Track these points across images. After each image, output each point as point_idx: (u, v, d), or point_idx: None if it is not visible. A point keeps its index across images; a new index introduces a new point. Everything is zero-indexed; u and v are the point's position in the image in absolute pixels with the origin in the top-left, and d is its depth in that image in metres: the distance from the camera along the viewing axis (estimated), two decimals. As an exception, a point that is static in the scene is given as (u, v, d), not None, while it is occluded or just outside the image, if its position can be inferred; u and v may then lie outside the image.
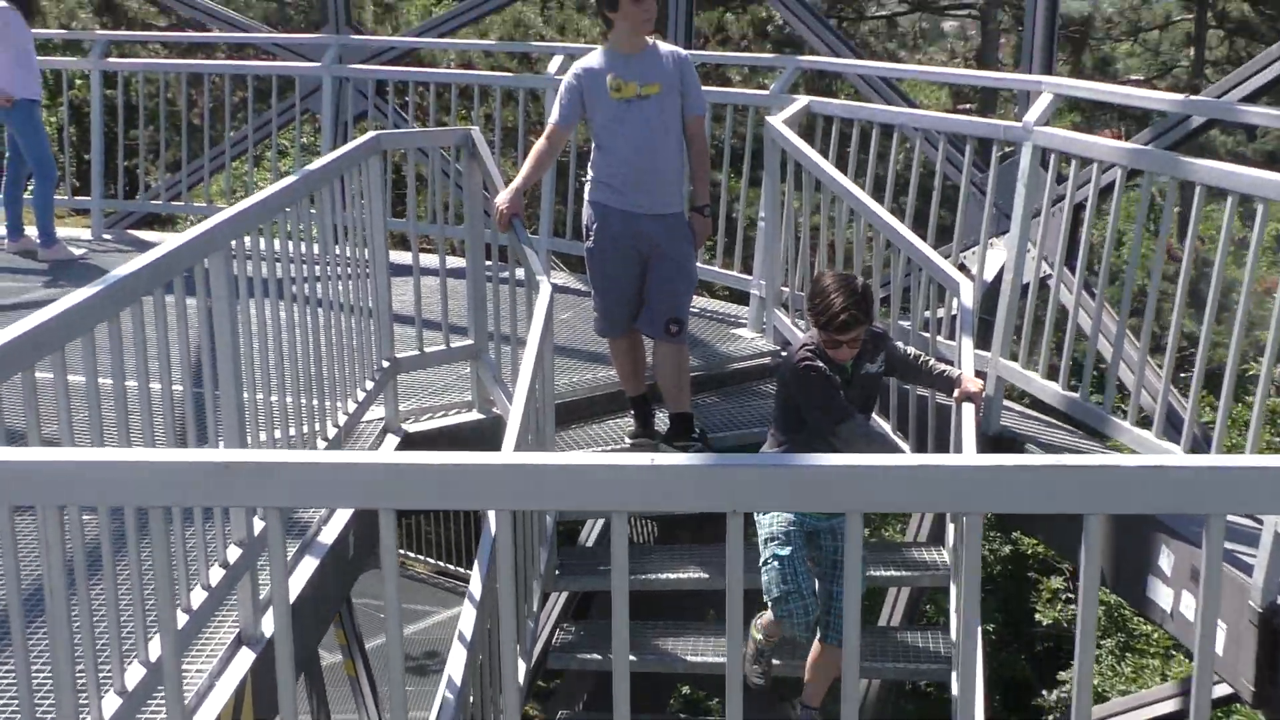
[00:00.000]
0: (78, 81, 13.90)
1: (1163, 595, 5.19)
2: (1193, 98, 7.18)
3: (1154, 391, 6.08)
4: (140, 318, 3.62)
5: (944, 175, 7.33)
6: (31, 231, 9.83)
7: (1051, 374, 6.13)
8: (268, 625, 4.37)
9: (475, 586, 4.37)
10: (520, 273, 6.51)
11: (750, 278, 8.11)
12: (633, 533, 8.55)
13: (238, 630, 4.33)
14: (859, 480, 2.09)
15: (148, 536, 2.66)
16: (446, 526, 17.53)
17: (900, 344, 5.67)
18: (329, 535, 5.23)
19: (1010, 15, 27.05)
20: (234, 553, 4.16)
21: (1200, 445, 5.35)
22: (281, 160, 16.24)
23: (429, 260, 7.73)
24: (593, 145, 6.33)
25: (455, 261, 7.79)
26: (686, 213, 6.40)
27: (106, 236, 10.89)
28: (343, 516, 5.40)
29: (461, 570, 16.38)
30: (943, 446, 6.16)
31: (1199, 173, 5.12)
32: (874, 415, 5.90)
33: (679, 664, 5.99)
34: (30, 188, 9.83)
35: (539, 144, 6.38)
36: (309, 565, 4.98)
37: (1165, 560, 5.15)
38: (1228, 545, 4.95)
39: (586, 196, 6.37)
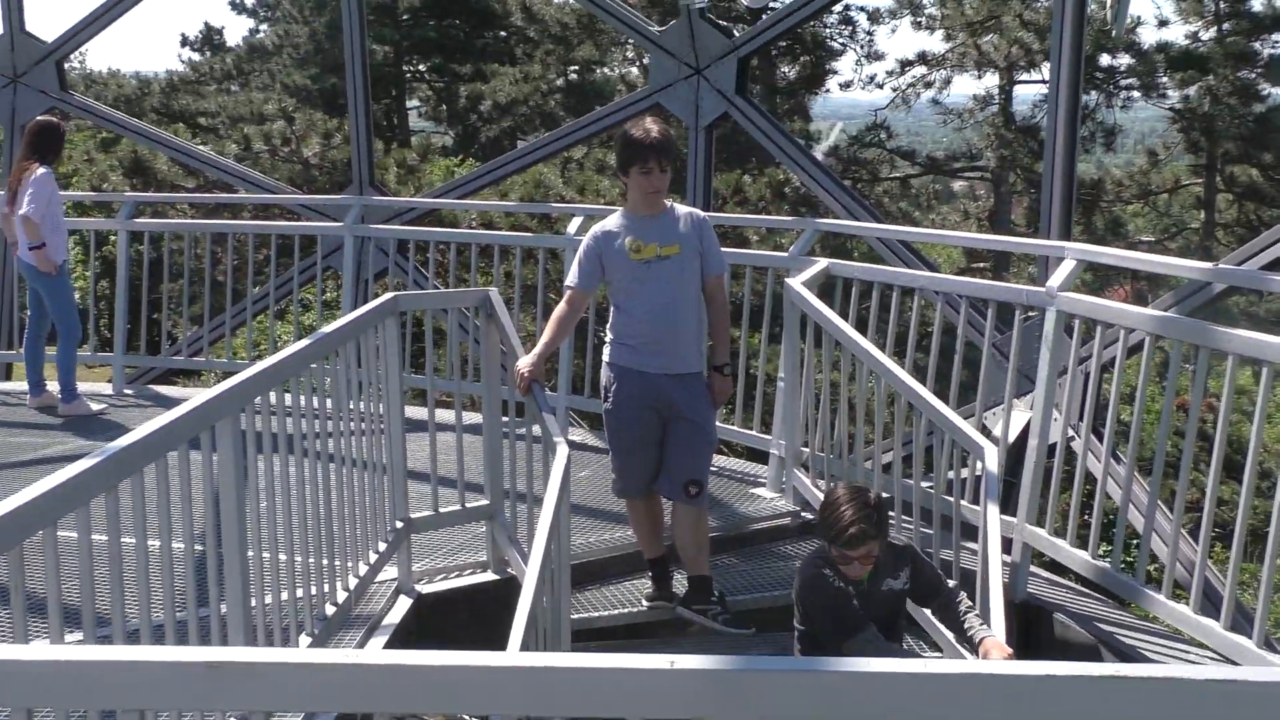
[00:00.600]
0: (111, 237, 14.00)
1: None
2: (1220, 266, 7.05)
3: (1189, 563, 5.84)
4: (149, 481, 3.46)
5: (969, 340, 7.19)
6: (53, 387, 9.76)
7: (1081, 541, 5.91)
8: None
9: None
10: (537, 429, 6.35)
11: (769, 437, 7.93)
12: None
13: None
14: (882, 687, 1.88)
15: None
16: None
17: (936, 568, 5.40)
18: None
19: (1022, 178, 27.38)
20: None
21: (1240, 624, 5.09)
22: (305, 314, 16.35)
23: (445, 416, 7.59)
24: (611, 306, 6.22)
25: (472, 417, 7.65)
26: (705, 372, 6.26)
27: (128, 392, 10.81)
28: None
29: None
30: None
31: (1232, 342, 4.96)
32: (904, 638, 5.63)
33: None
34: (53, 345, 9.80)
35: (559, 309, 6.27)
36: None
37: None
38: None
39: (605, 357, 6.24)
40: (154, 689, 1.92)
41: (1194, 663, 5.38)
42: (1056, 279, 6.13)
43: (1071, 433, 7.29)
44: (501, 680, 1.90)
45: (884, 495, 5.29)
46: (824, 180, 10.86)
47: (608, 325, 6.24)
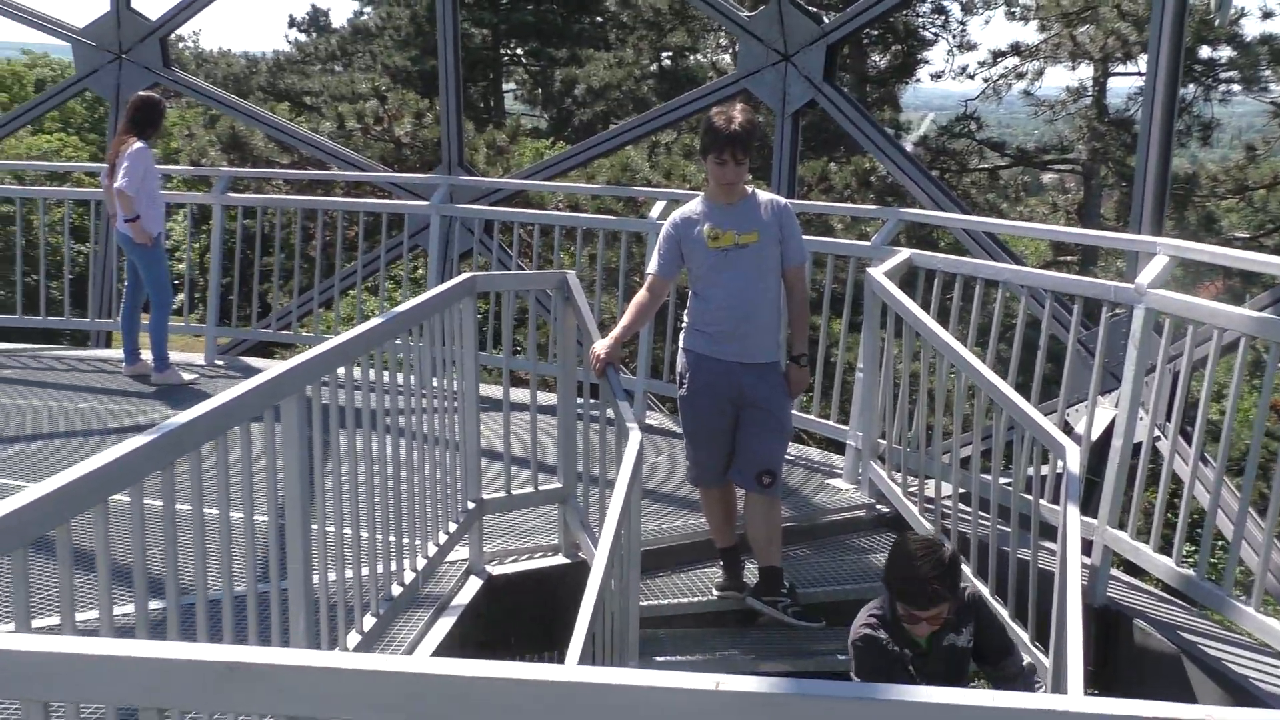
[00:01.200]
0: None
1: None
2: (1263, 256, 6.68)
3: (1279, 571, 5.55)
4: (225, 453, 3.36)
5: (1052, 335, 6.92)
6: (147, 356, 9.82)
7: (1164, 545, 5.64)
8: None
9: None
10: (610, 413, 6.21)
11: (847, 428, 7.71)
12: None
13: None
14: (938, 717, 1.70)
15: None
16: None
17: (1004, 628, 5.00)
18: None
19: (1113, 170, 26.78)
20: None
21: None
22: (393, 291, 16.36)
23: (520, 396, 7.47)
24: (690, 292, 6.06)
25: (546, 398, 7.51)
26: (783, 362, 6.07)
27: (219, 362, 10.84)
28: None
29: None
30: (1043, 617, 5.67)
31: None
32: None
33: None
34: (147, 314, 9.84)
35: (640, 295, 6.12)
36: None
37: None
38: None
39: (681, 343, 6.08)
40: (172, 687, 1.80)
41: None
42: (1147, 275, 5.85)
43: (1158, 433, 6.97)
44: (531, 693, 1.74)
45: (955, 551, 4.87)
46: (911, 170, 10.59)
47: (686, 311, 6.08)
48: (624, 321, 6.12)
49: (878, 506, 7.30)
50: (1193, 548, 6.30)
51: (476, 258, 11.10)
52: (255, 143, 18.10)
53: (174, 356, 11.14)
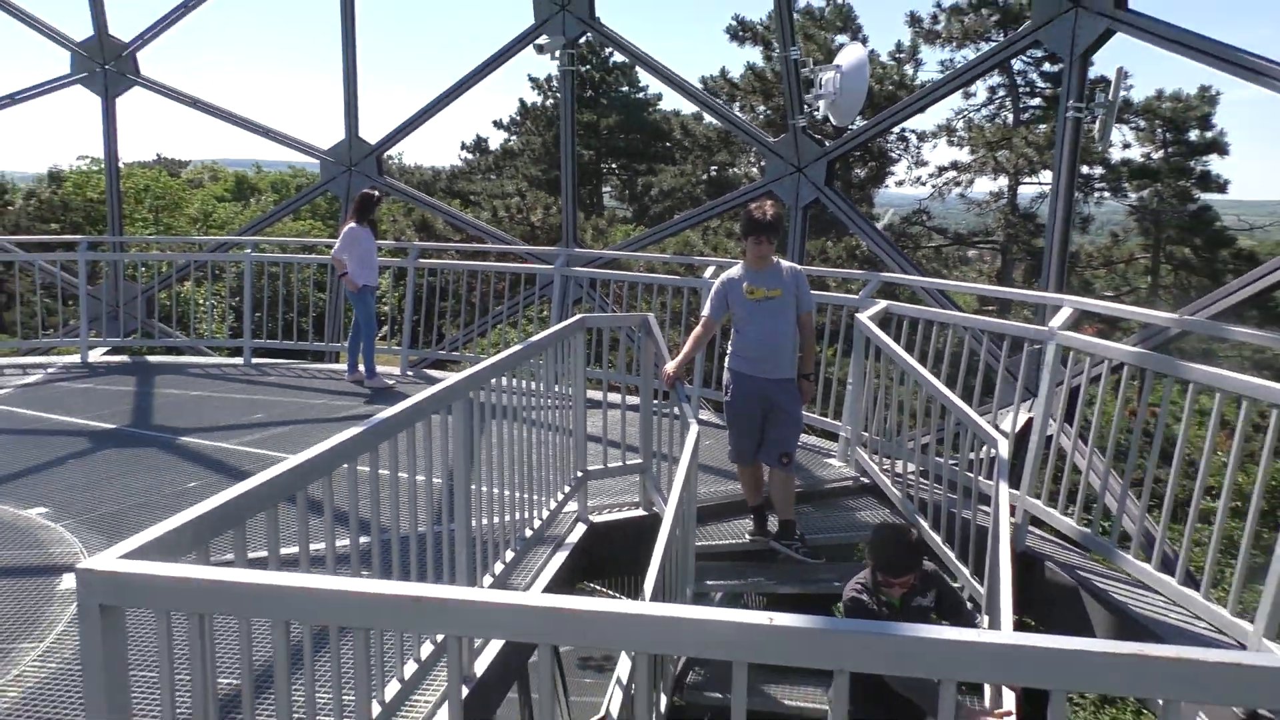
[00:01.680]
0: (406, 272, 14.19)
1: None
2: (1181, 316, 6.38)
3: (1149, 533, 5.26)
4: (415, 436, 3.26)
5: (985, 361, 6.65)
6: (362, 368, 9.82)
7: (1067, 509, 5.39)
8: None
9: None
10: (677, 411, 6.06)
11: (839, 423, 7.49)
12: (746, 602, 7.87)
13: None
14: (953, 651, 1.53)
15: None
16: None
17: (958, 593, 4.85)
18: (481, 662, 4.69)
19: (1020, 248, 26.39)
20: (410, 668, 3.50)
21: (1171, 562, 4.54)
22: (527, 325, 16.35)
23: (614, 398, 7.32)
24: (732, 329, 5.90)
25: (631, 399, 7.36)
26: (797, 378, 5.89)
27: (409, 373, 10.82)
28: (540, 584, 4.93)
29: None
30: (980, 558, 5.43)
31: (1194, 374, 4.41)
32: None
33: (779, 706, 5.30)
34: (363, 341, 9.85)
35: (697, 331, 5.98)
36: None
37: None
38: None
39: (727, 364, 5.91)
40: (378, 613, 1.69)
41: (1148, 603, 4.83)
42: (1056, 321, 5.61)
43: (1060, 429, 6.69)
44: (636, 623, 1.61)
45: (920, 535, 4.67)
46: (884, 245, 10.31)
47: (730, 342, 5.91)
48: (686, 349, 5.97)
49: (861, 479, 7.06)
50: (1087, 516, 6.01)
51: (585, 304, 10.97)
52: (437, 226, 18.21)
53: (380, 369, 11.19)
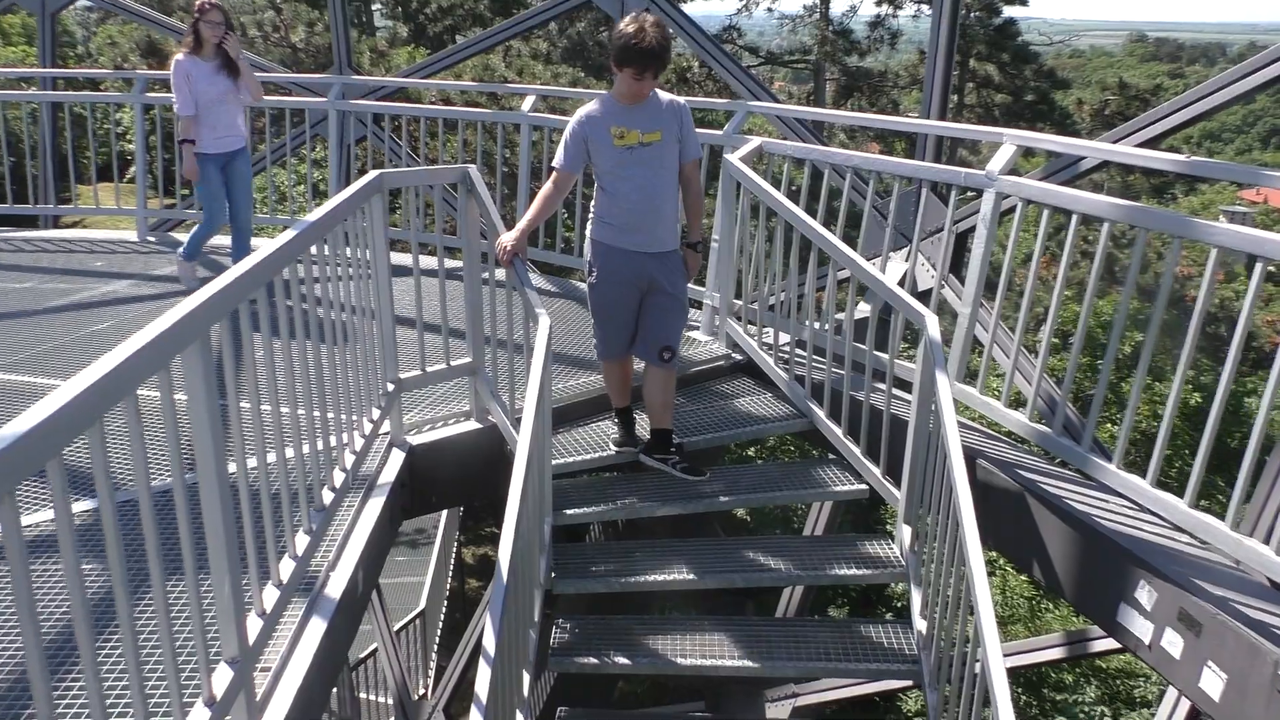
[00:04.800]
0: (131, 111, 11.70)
1: (1139, 626, 3.73)
2: (1099, 144, 5.61)
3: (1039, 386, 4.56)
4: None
5: (874, 207, 5.76)
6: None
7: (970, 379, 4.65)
8: None
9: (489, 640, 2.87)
10: (504, 283, 4.83)
11: (704, 289, 6.46)
12: (610, 531, 6.93)
13: None
14: None
15: None
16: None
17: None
18: (338, 583, 3.56)
19: (835, 66, 25.94)
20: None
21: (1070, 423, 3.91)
22: (299, 167, 14.23)
23: (428, 261, 5.96)
24: (596, 187, 4.65)
25: (454, 287, 6.00)
26: (680, 249, 4.76)
27: (151, 239, 8.93)
28: (350, 560, 3.72)
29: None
30: (895, 460, 4.67)
31: (1198, 232, 3.59)
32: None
33: (670, 667, 4.42)
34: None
35: (546, 188, 4.66)
36: (318, 626, 3.31)
37: (1145, 595, 3.68)
38: (1245, 602, 3.53)
39: (589, 234, 4.68)
40: None
41: (1113, 510, 4.19)
42: (996, 163, 4.69)
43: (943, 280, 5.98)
44: None
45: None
46: (725, 62, 9.11)
47: (592, 204, 4.67)
48: (530, 214, 4.68)
49: (733, 355, 6.13)
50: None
51: (370, 143, 9.26)
52: (169, 49, 15.36)
53: (110, 235, 9.21)
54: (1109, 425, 12.82)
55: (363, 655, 11.77)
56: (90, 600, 3.22)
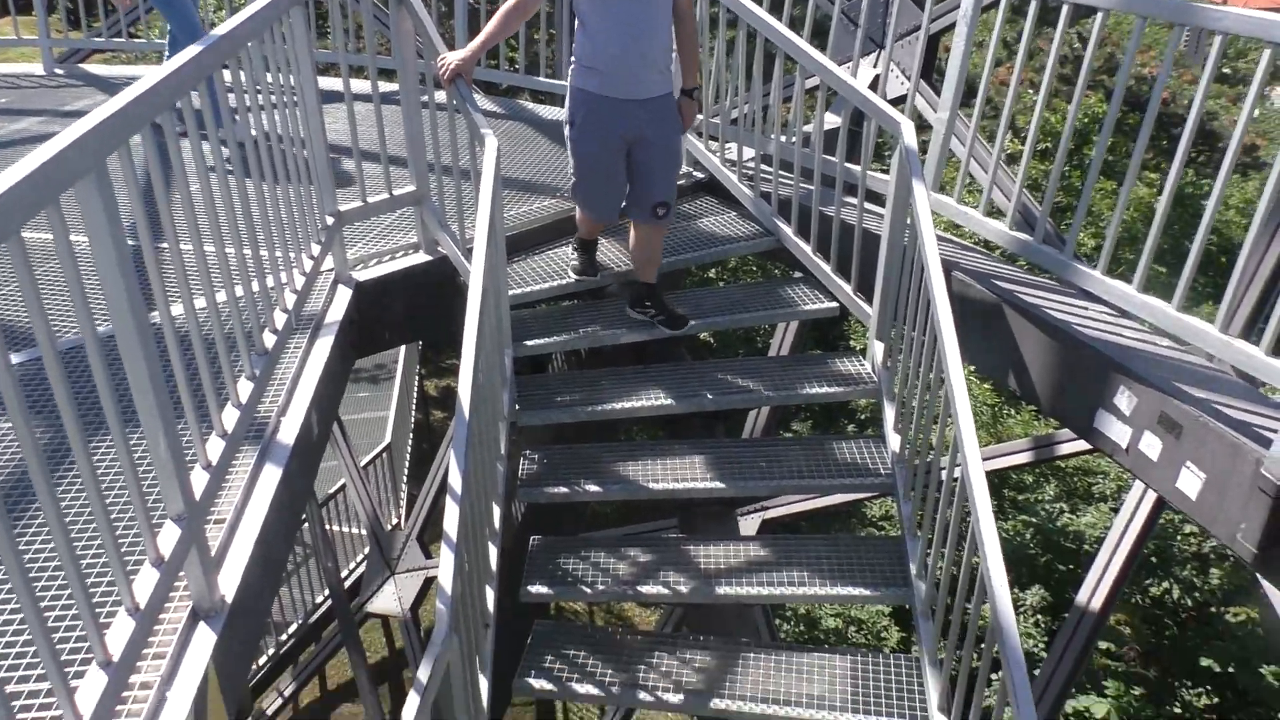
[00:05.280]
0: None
1: (1117, 431, 3.71)
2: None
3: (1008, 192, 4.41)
4: None
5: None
6: None
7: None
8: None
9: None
10: (446, 105, 4.49)
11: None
12: (573, 360, 6.75)
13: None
14: None
15: None
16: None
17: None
18: (291, 428, 3.41)
19: None
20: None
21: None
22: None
23: (361, 86, 5.54)
24: (576, 25, 4.22)
25: (387, 86, 5.57)
26: (675, 93, 4.40)
27: (59, 71, 8.28)
28: (301, 403, 3.56)
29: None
30: (867, 274, 4.52)
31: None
32: None
33: (642, 492, 4.39)
34: None
35: (508, 5, 4.23)
36: (273, 473, 3.17)
37: (1124, 400, 3.64)
38: (1225, 402, 3.49)
39: (570, 81, 4.27)
40: None
41: (1094, 320, 4.11)
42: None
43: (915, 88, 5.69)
44: None
45: None
46: None
47: (574, 46, 4.25)
48: (487, 30, 4.26)
49: (694, 173, 5.86)
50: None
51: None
52: None
53: (12, 69, 8.54)
54: (1084, 240, 12.78)
55: (331, 491, 11.85)
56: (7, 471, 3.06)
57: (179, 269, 2.62)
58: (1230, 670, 10.12)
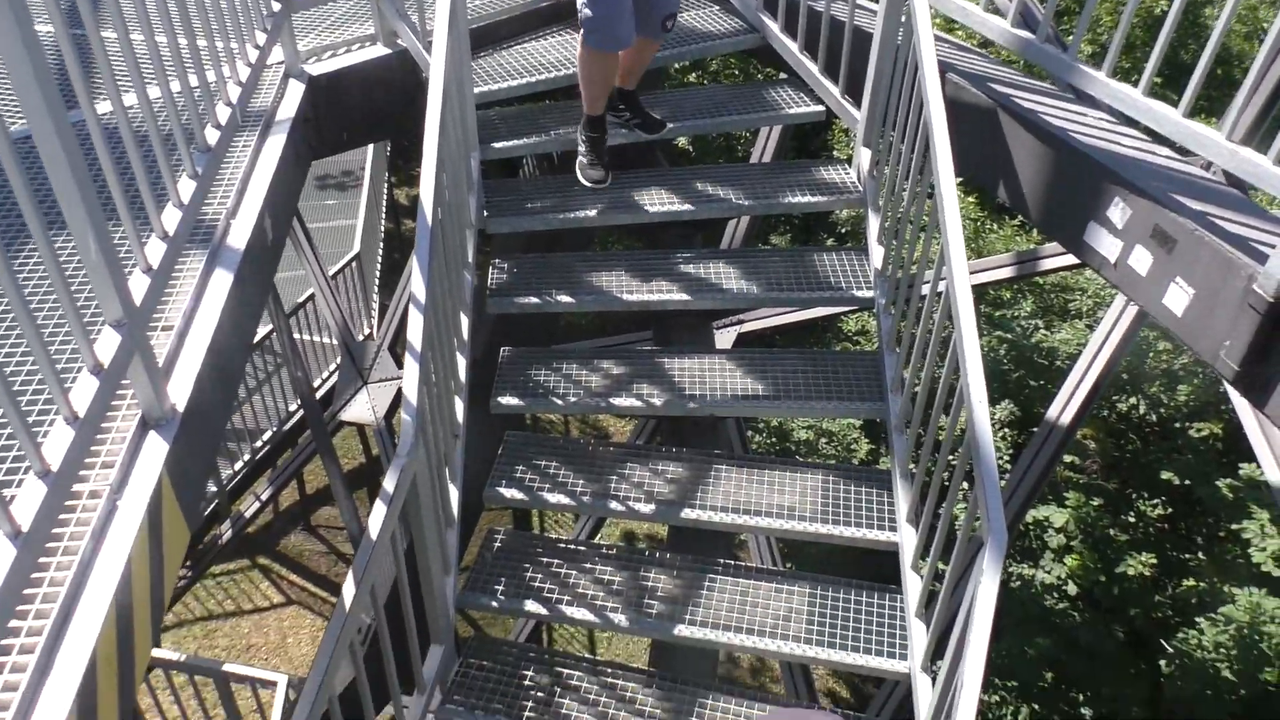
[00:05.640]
0: None
1: (1107, 244, 3.59)
2: None
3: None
4: None
5: None
6: None
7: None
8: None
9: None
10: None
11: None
12: (545, 165, 6.45)
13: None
14: None
15: None
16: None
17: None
18: (242, 231, 3.23)
19: None
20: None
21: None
22: None
23: None
24: None
25: None
26: None
27: None
28: (253, 204, 3.37)
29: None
30: (856, 79, 4.27)
31: None
32: None
33: (616, 303, 4.28)
34: None
35: None
36: (224, 278, 3.02)
37: (1117, 212, 3.51)
38: (1223, 215, 3.36)
39: None
40: None
41: (1091, 128, 3.91)
42: None
43: None
44: None
45: None
46: None
47: None
48: None
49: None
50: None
51: None
52: None
53: None
54: (1084, 43, 12.27)
55: (300, 300, 11.71)
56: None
57: (103, 61, 2.38)
58: (1188, 483, 10.45)
